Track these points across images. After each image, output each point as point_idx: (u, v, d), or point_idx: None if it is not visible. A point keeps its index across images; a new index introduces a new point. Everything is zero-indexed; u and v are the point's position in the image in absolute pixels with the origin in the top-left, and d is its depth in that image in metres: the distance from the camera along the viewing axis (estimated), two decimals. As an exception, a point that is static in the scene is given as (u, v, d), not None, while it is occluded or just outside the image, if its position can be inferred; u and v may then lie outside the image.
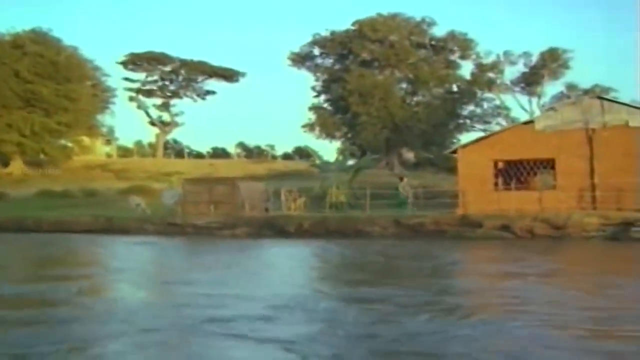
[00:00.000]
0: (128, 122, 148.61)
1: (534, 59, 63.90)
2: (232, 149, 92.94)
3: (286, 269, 16.86)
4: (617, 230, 22.47)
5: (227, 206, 30.89)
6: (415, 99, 63.01)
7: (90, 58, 61.37)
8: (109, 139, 77.21)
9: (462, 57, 64.04)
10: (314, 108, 63.84)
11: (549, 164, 29.48)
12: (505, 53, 63.54)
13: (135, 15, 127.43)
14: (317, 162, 45.10)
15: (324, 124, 62.38)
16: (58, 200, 45.47)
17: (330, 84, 62.34)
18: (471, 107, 63.81)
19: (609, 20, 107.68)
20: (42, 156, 58.81)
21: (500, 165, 31.23)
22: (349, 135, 62.86)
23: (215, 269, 16.56)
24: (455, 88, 64.05)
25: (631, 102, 62.58)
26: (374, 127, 58.50)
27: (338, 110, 62.49)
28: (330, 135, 63.28)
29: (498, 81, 64.49)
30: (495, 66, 63.60)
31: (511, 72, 64.58)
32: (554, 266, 16.19)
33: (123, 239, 26.91)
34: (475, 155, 30.07)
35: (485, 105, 63.95)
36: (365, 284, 13.06)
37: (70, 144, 61.24)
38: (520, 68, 64.51)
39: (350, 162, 47.05)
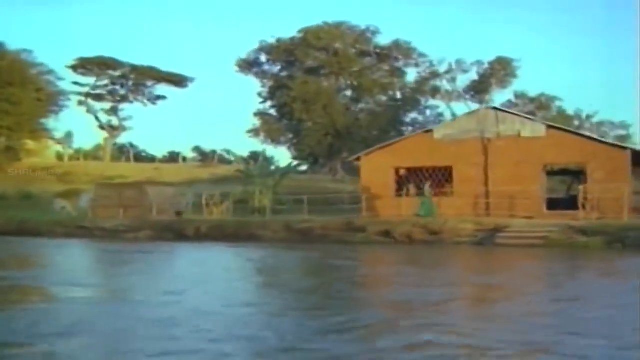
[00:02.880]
0: (87, 126, 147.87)
1: (486, 67, 64.76)
2: (188, 153, 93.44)
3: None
4: (484, 236, 23.49)
5: (136, 210, 31.66)
6: (359, 106, 63.97)
7: (41, 62, 61.60)
8: (59, 142, 77.31)
9: (408, 65, 65.07)
10: (260, 114, 64.57)
11: (446, 172, 30.51)
12: (458, 61, 64.40)
13: (87, 19, 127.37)
14: (241, 167, 45.93)
15: (269, 130, 63.11)
16: (-9, 202, 45.91)
17: (275, 90, 63.09)
18: (414, 115, 65.01)
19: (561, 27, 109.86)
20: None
21: (402, 172, 32.22)
22: (294, 141, 63.65)
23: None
24: (399, 95, 65.16)
25: (576, 111, 64.35)
26: (318, 133, 59.30)
27: (283, 117, 63.23)
28: (276, 141, 64.07)
29: (451, 88, 65.57)
30: (445, 74, 64.58)
31: (463, 80, 65.57)
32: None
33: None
34: (377, 162, 31.08)
35: (428, 112, 65.20)
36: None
37: (14, 147, 61.29)
38: (472, 76, 65.50)
39: (273, 167, 47.89)
